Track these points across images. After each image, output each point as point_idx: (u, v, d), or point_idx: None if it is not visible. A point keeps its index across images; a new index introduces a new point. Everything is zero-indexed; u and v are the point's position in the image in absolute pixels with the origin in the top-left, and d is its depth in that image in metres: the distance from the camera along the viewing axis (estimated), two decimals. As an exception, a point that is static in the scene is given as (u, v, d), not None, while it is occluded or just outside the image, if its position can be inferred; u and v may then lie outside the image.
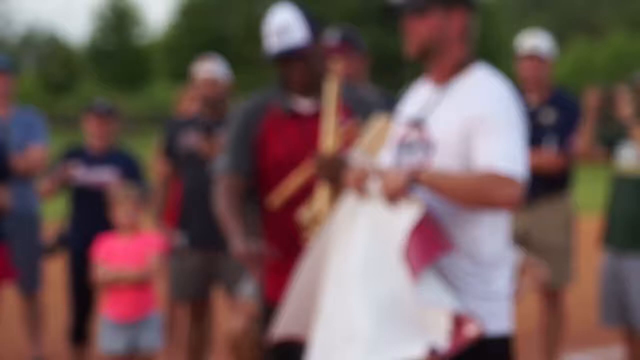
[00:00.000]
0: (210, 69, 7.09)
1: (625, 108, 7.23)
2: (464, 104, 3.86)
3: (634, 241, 7.02)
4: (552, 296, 7.64)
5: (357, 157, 4.08)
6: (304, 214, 4.33)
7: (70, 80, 55.02)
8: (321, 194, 4.28)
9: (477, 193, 3.66)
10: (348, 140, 4.35)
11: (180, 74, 49.16)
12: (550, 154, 7.44)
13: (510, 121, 3.84)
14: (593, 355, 8.88)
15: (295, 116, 4.52)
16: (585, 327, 8.46)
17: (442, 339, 3.61)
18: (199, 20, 53.51)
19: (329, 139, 4.27)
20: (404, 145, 4.06)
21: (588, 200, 8.37)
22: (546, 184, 7.38)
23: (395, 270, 3.68)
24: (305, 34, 4.42)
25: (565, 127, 7.55)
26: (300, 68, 4.47)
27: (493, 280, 3.79)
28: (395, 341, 3.70)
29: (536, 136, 7.04)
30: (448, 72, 3.97)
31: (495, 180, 3.60)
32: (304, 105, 4.50)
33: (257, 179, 4.44)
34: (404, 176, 3.69)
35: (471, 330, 3.58)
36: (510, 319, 3.87)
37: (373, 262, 3.78)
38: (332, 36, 5.83)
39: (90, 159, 6.80)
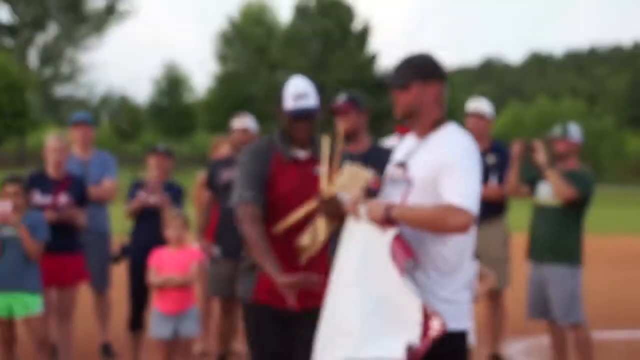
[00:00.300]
0: (243, 121, 7.09)
1: (541, 156, 7.09)
2: (434, 152, 3.82)
3: (550, 254, 6.91)
4: (495, 297, 7.47)
5: (344, 195, 4.01)
6: (304, 239, 4.22)
7: (136, 130, 55.17)
8: (321, 225, 4.18)
9: (434, 222, 3.65)
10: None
11: (217, 126, 49.60)
12: (493, 187, 7.33)
13: (468, 166, 3.80)
14: (527, 343, 8.59)
15: (295, 162, 4.40)
16: (520, 321, 8.09)
17: (417, 338, 3.53)
18: (232, 85, 53.17)
19: (325, 182, 4.15)
20: (392, 181, 4.03)
21: (517, 223, 8.16)
22: (490, 209, 7.13)
23: (381, 276, 3.63)
24: (316, 101, 4.29)
25: (502, 168, 7.41)
26: (306, 126, 4.35)
27: (455, 287, 3.72)
28: (379, 339, 3.61)
29: (483, 174, 6.75)
30: (427, 128, 3.91)
31: (450, 211, 3.59)
32: (301, 154, 4.37)
33: (265, 209, 4.28)
34: (381, 209, 3.69)
35: (435, 325, 3.48)
36: (468, 318, 3.81)
37: (364, 269, 3.71)
38: (340, 97, 5.73)
39: (149, 188, 6.76)
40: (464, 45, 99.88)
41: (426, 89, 3.89)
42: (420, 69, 3.96)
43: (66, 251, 6.32)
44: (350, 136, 5.30)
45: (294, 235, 4.21)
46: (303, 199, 4.24)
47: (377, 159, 4.83)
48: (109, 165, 7.30)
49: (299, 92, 4.39)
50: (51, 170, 6.41)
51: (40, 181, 6.35)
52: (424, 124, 3.96)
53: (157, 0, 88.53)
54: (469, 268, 3.96)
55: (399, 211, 3.73)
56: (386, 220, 3.71)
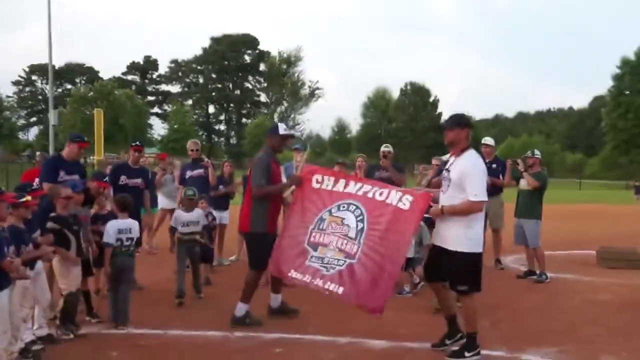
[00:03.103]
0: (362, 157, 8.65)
1: (521, 166, 8.44)
2: (462, 165, 4.60)
3: (525, 213, 8.32)
4: (497, 233, 9.00)
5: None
6: (286, 197, 5.70)
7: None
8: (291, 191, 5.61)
9: (465, 211, 4.55)
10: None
11: (363, 150, 51.81)
12: (498, 180, 8.56)
13: (477, 174, 4.57)
14: (514, 257, 9.90)
15: (277, 163, 5.80)
16: (510, 246, 9.29)
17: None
18: (369, 130, 72.13)
19: (299, 170, 5.64)
20: (443, 178, 4.77)
21: (508, 198, 8.95)
22: (496, 190, 8.44)
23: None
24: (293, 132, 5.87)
25: (501, 171, 8.76)
26: (287, 144, 5.85)
27: (473, 231, 4.62)
28: None
29: (491, 174, 7.27)
30: (460, 151, 4.66)
31: (471, 205, 4.50)
32: (278, 158, 5.80)
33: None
34: (439, 208, 4.64)
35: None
36: (480, 247, 4.69)
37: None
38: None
39: None
40: (482, 106, 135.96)
41: (461, 131, 4.66)
42: (459, 120, 4.75)
43: None
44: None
45: (280, 198, 5.70)
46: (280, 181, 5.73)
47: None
48: None
49: (285, 127, 5.90)
50: None
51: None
52: (458, 149, 4.72)
53: (334, 88, 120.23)
54: (481, 223, 4.73)
55: (447, 208, 4.57)
56: (441, 213, 4.62)
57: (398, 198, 4.77)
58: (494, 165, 8.78)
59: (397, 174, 7.86)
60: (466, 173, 4.47)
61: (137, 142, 7.61)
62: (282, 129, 5.78)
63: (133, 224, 6.16)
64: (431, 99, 72.07)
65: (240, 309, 5.78)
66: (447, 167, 4.63)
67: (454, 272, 4.65)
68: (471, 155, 4.57)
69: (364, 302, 4.62)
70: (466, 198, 4.38)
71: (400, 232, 4.65)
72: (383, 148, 8.41)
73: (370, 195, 4.93)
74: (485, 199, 4.44)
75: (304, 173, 5.40)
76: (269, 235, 5.57)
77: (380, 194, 4.89)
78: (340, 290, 4.71)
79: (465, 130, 4.57)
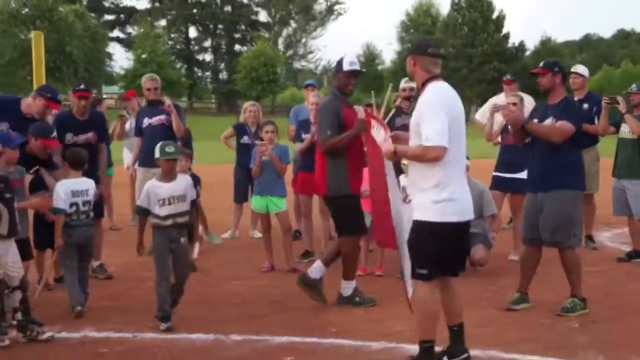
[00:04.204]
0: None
1: (622, 106, 8.55)
2: (418, 105, 4.81)
3: (627, 172, 8.59)
4: (589, 199, 8.98)
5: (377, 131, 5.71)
6: None
7: None
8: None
9: (417, 157, 4.75)
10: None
11: (397, 86, 53.30)
12: (592, 127, 8.70)
13: (432, 110, 4.65)
14: (612, 232, 10.59)
15: (350, 108, 6.45)
16: (607, 217, 10.12)
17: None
18: None
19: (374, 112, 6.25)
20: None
21: (605, 151, 9.55)
22: (588, 140, 8.56)
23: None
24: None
25: (595, 113, 8.92)
26: (355, 82, 6.47)
27: (445, 193, 4.65)
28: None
29: (581, 117, 7.14)
30: (419, 87, 4.95)
31: (423, 150, 4.63)
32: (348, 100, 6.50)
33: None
34: (391, 147, 4.95)
35: None
36: (455, 215, 4.68)
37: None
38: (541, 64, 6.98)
39: None
40: (569, 24, 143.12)
41: (413, 61, 4.92)
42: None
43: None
44: (548, 91, 6.36)
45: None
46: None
47: (567, 107, 6.24)
48: None
49: (351, 60, 6.45)
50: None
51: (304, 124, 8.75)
52: (417, 84, 5.05)
53: (359, 3, 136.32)
54: (458, 182, 4.74)
55: (400, 149, 4.90)
56: (393, 154, 4.96)
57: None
58: (585, 105, 9.07)
59: None
60: (419, 112, 4.70)
61: (82, 86, 7.60)
62: (346, 63, 6.36)
63: (89, 183, 6.41)
64: (494, 16, 71.00)
65: (347, 287, 6.52)
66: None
67: (412, 249, 4.81)
68: (430, 88, 4.78)
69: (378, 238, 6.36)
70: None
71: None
72: (403, 84, 8.79)
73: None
74: (442, 143, 4.52)
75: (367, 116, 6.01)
76: (353, 196, 6.37)
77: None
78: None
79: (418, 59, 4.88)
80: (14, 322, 5.53)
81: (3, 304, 5.46)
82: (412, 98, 8.44)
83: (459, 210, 4.69)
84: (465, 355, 4.91)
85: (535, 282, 6.58)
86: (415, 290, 4.92)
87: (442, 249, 4.69)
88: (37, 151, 6.47)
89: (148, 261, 7.80)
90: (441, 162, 4.57)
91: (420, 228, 4.71)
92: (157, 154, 6.03)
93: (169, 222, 6.00)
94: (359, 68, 6.49)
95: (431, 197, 4.65)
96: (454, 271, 4.90)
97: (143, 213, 6.10)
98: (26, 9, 63.09)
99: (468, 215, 4.77)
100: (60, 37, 59.18)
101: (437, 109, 4.60)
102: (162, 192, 5.99)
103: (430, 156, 4.55)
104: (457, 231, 4.71)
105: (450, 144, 4.55)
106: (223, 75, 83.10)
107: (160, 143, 6.09)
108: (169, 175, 6.08)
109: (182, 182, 6.15)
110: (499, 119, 8.10)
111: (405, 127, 7.19)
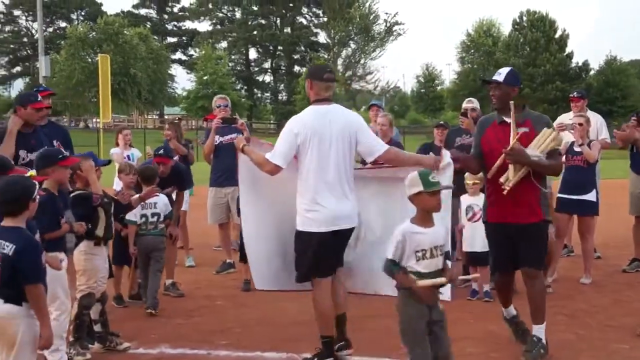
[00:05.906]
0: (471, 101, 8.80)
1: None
2: None
3: None
4: (638, 221, 8.84)
5: (530, 151, 5.13)
6: (502, 177, 5.33)
7: (404, 109, 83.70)
8: (510, 169, 5.30)
9: (258, 165, 5.26)
10: (523, 141, 5.27)
11: (459, 107, 51.90)
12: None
13: (284, 131, 5.20)
14: None
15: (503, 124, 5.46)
16: None
17: None
18: (468, 78, 69.90)
19: (513, 139, 5.27)
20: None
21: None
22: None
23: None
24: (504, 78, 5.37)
25: None
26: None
27: (309, 203, 5.15)
28: None
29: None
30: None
31: (265, 161, 5.14)
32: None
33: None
34: (239, 144, 5.54)
35: None
36: (321, 225, 5.02)
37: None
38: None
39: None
40: (635, 43, 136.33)
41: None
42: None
43: None
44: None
45: (498, 176, 5.38)
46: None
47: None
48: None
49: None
50: None
51: None
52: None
53: (416, 23, 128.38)
54: (324, 195, 5.01)
55: (247, 149, 5.41)
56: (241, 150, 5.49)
57: None
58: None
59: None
60: None
61: (161, 152, 7.81)
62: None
63: (159, 197, 6.90)
64: (557, 35, 70.33)
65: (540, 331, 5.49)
66: None
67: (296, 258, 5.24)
68: (304, 110, 5.31)
69: None
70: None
71: None
72: (465, 104, 8.87)
73: None
74: (277, 162, 5.04)
75: None
76: None
77: None
78: None
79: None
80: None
81: (90, 318, 5.60)
82: (472, 117, 8.32)
83: (323, 219, 5.04)
84: (342, 343, 5.25)
85: (615, 305, 6.48)
86: (312, 292, 5.24)
87: (316, 256, 5.08)
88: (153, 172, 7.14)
89: (216, 280, 8.19)
90: (305, 176, 5.06)
91: (296, 236, 5.19)
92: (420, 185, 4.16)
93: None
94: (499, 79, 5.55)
95: (302, 207, 5.12)
96: (333, 271, 5.25)
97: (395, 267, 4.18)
98: (93, 33, 64.93)
99: (336, 225, 5.08)
100: (125, 59, 60.64)
101: (286, 130, 5.14)
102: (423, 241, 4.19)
103: (266, 169, 5.15)
104: (326, 239, 5.05)
105: (309, 158, 5.00)
106: (282, 96, 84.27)
107: (421, 171, 4.29)
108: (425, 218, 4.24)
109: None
110: (565, 138, 7.97)
111: (462, 147, 7.66)
